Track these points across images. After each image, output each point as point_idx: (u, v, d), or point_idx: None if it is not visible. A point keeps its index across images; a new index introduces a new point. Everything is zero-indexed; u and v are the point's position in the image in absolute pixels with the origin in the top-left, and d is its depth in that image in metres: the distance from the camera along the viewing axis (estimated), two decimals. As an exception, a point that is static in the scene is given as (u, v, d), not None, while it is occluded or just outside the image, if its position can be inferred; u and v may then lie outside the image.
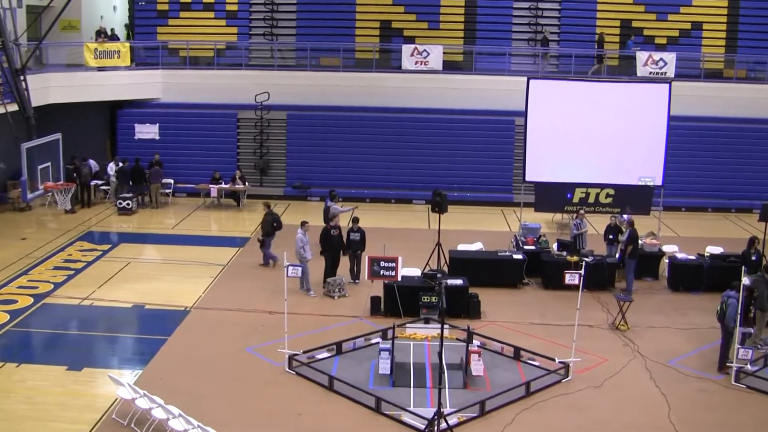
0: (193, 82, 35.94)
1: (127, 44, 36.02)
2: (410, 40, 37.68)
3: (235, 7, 39.32)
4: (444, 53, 35.74)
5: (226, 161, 34.92)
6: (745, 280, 18.03)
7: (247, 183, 33.38)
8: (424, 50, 35.59)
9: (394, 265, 19.20)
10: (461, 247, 24.59)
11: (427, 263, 23.58)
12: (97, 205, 32.81)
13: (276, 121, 35.50)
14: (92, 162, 33.28)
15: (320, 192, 34.13)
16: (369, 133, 34.90)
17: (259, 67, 37.11)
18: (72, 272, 24.00)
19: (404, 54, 35.70)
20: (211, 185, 32.85)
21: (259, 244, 25.18)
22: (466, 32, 38.81)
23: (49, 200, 32.10)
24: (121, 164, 33.01)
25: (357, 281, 23.38)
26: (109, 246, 27.10)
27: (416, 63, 35.54)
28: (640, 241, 24.00)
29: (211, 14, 39.29)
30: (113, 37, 36.19)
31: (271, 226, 24.94)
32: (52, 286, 22.72)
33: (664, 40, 37.69)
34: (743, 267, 19.75)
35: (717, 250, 24.63)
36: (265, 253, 25.02)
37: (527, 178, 28.02)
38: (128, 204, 31.44)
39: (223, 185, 33.03)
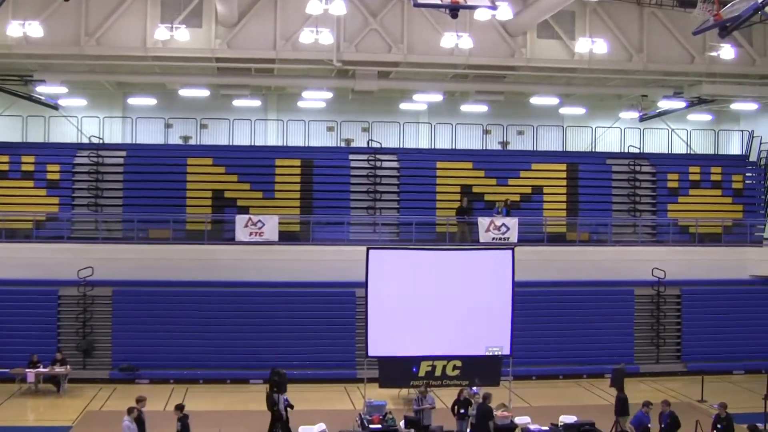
0: (9, 257, 35.01)
1: (-65, 217, 35.16)
2: (244, 210, 38.19)
3: (56, 176, 39.16)
4: (280, 223, 36.23)
5: (45, 342, 33.72)
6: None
7: (68, 366, 32.41)
8: (259, 221, 36.00)
9: (229, 452, 18.96)
10: (303, 429, 24.48)
11: (266, 448, 23.31)
12: None
13: (101, 298, 34.83)
14: None
15: (150, 374, 33.47)
16: (202, 309, 34.62)
17: (82, 240, 36.69)
18: None
19: (238, 225, 36.03)
20: (28, 370, 31.71)
21: None
22: (302, 201, 39.79)
23: None
24: None
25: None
26: None
27: (251, 234, 35.85)
28: (490, 414, 24.46)
29: (31, 183, 39.01)
30: None
31: None
32: None
33: (501, 205, 39.13)
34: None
35: (570, 419, 25.31)
36: None
37: (370, 353, 28.29)
38: (-69, 395, 30.04)
39: (41, 369, 31.96)
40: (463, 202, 38.83)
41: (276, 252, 35.80)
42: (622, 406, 25.37)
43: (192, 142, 42.72)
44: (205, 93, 39.36)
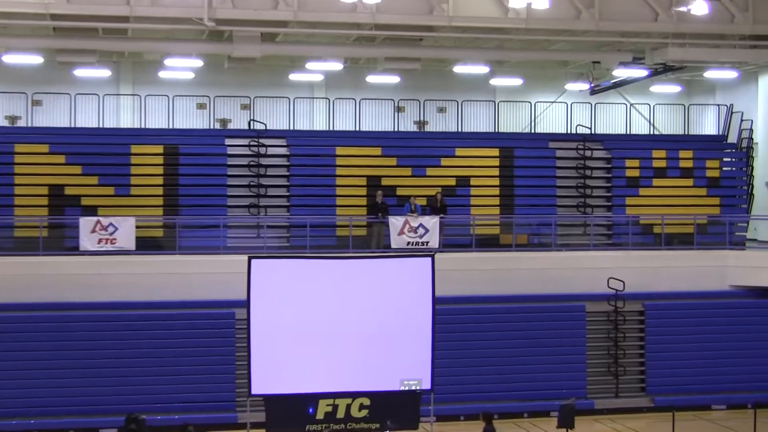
0: None
1: None
2: (91, 211, 37.88)
3: None
4: (137, 227, 35.88)
5: None
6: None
7: None
8: (110, 224, 35.54)
9: None
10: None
11: None
12: None
13: None
14: None
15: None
16: (35, 339, 33.85)
17: None
18: None
19: (82, 230, 35.43)
20: None
21: None
22: (166, 199, 39.61)
23: None
24: None
25: None
26: None
27: (99, 241, 35.37)
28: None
29: None
30: None
31: None
32: None
33: (423, 201, 39.47)
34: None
35: (508, 468, 25.68)
36: None
37: (254, 391, 28.25)
38: None
39: None
40: (378, 197, 38.83)
41: (132, 264, 35.39)
42: None
43: (21, 123, 42.30)
44: (37, 60, 38.87)
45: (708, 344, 37.53)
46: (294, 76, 42.82)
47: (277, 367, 28.17)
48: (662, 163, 43.58)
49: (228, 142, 41.45)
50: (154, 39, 38.31)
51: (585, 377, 36.64)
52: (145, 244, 36.59)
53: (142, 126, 42.69)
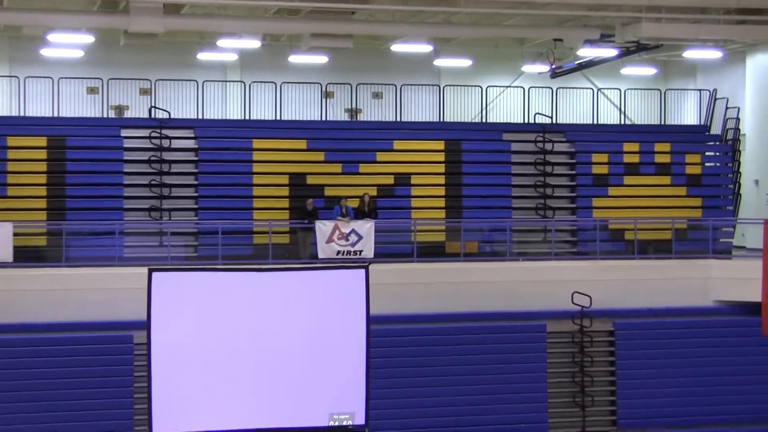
0: None
1: None
2: (-40, 215, 37.37)
3: None
4: (15, 235, 35.37)
5: None
6: None
7: None
8: (-17, 231, 35.32)
9: None
10: None
11: None
12: None
13: None
14: None
15: None
16: None
17: None
18: None
19: (-51, 238, 35.23)
20: None
21: None
22: (50, 201, 39.23)
23: None
24: None
25: None
26: None
27: (-30, 251, 35.14)
28: None
29: None
30: None
31: None
32: None
33: (356, 203, 39.21)
34: None
35: None
36: None
37: (156, 429, 27.93)
38: None
39: None
40: (309, 205, 38.45)
41: (9, 279, 34.79)
42: None
43: None
44: None
45: (688, 369, 37.48)
46: (203, 56, 42.67)
47: (183, 401, 27.91)
48: (635, 158, 43.79)
49: (124, 133, 41.08)
50: (35, 9, 37.68)
51: (546, 408, 36.61)
52: (25, 255, 36.11)
53: (21, 114, 42.33)
